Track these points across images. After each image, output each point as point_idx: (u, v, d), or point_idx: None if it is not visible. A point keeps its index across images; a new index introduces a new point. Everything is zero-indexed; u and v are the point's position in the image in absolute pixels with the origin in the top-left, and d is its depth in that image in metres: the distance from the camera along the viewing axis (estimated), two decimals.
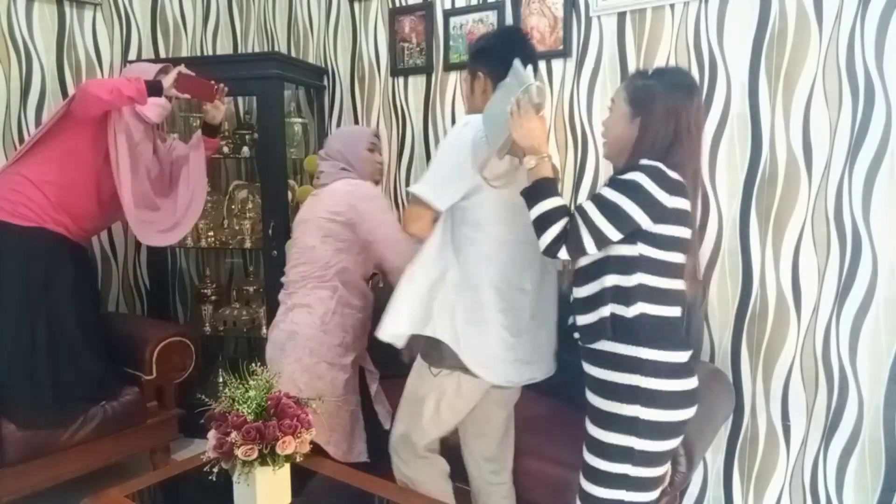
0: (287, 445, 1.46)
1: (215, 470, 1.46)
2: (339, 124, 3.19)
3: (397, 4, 2.91)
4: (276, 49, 3.34)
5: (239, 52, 3.48)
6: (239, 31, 3.50)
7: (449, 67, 2.78)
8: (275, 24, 3.36)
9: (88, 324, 2.38)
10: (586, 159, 2.48)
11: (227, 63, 2.98)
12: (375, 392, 2.24)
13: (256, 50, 3.43)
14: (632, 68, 2.33)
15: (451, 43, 2.76)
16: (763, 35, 2.07)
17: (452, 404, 1.75)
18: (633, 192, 1.36)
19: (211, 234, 3.08)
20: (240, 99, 3.29)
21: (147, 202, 2.43)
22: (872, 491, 2.00)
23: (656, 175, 1.37)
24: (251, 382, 1.51)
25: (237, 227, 3.07)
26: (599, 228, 1.38)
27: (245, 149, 3.02)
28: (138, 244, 3.14)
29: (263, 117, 2.88)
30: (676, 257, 1.42)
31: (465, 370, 1.67)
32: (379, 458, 1.99)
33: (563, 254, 1.41)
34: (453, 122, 2.81)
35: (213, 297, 3.19)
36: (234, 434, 1.43)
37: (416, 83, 2.90)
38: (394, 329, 1.72)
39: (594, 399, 1.47)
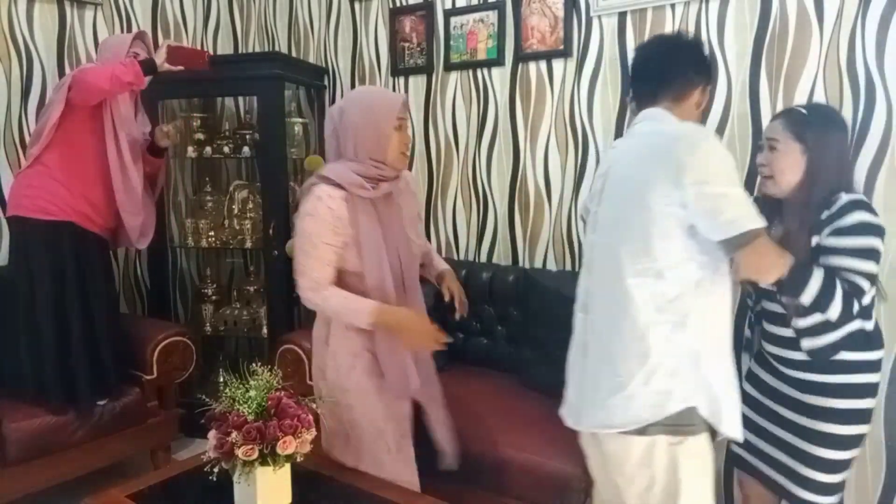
0: (287, 445, 1.46)
1: (216, 470, 1.46)
2: None
3: (398, 4, 2.91)
4: (277, 49, 3.34)
5: (239, 52, 3.48)
6: (239, 31, 3.50)
7: (449, 67, 2.78)
8: (275, 24, 3.36)
9: (115, 316, 2.48)
10: (587, 159, 2.48)
11: (227, 63, 2.98)
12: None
13: (257, 50, 3.44)
14: (636, 58, 2.33)
15: (451, 43, 2.76)
16: (763, 35, 2.07)
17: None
18: (876, 230, 1.48)
19: (212, 234, 3.08)
20: (240, 99, 3.29)
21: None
22: (873, 491, 2.00)
23: (869, 206, 1.51)
24: (252, 382, 1.51)
25: (238, 227, 3.07)
26: (872, 273, 1.48)
27: (245, 149, 3.02)
28: None
29: (264, 117, 2.88)
30: None
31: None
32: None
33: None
34: (454, 121, 2.81)
35: (213, 297, 3.19)
36: (234, 434, 1.43)
37: (417, 83, 2.90)
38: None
39: (833, 402, 1.55)
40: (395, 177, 1.70)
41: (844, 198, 1.50)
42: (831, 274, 1.45)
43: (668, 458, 1.33)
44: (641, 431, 1.31)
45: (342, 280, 1.68)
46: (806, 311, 1.50)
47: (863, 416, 1.56)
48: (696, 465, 1.34)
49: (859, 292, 1.46)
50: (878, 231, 1.48)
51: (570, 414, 1.52)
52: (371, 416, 1.71)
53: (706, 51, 1.50)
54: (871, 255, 1.46)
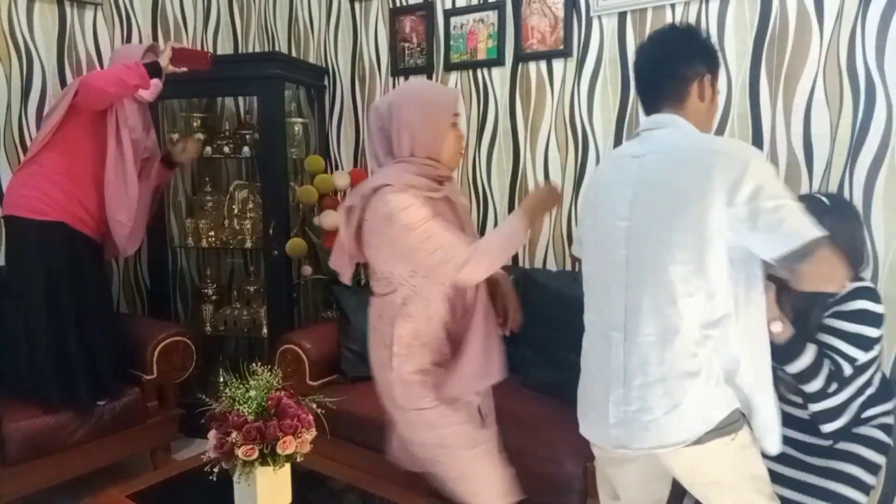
0: (287, 445, 1.46)
1: (216, 470, 1.46)
2: (339, 124, 3.19)
3: (398, 4, 2.91)
4: (277, 49, 3.34)
5: (240, 51, 3.48)
6: (240, 30, 3.50)
7: (449, 67, 2.78)
8: (275, 23, 3.36)
9: (110, 317, 2.48)
10: (587, 159, 2.48)
11: (227, 63, 2.98)
12: None
13: (257, 50, 3.43)
14: (632, 68, 2.33)
15: (451, 43, 2.76)
16: (763, 35, 2.07)
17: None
18: (876, 319, 1.52)
19: (212, 233, 3.08)
20: (240, 99, 3.29)
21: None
22: (873, 494, 2.00)
23: (874, 294, 1.54)
24: (252, 382, 1.51)
25: (238, 227, 3.07)
26: (856, 359, 1.52)
27: (246, 149, 3.02)
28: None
29: (264, 117, 2.88)
30: None
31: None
32: None
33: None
34: None
35: (213, 297, 3.19)
36: (234, 434, 1.43)
37: None
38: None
39: (873, 431, 1.62)
40: (450, 177, 1.62)
41: (850, 285, 1.53)
42: (821, 352, 1.51)
43: (725, 457, 1.35)
44: (697, 441, 1.31)
45: (402, 287, 1.57)
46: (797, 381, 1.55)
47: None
48: (750, 453, 1.37)
49: (840, 374, 1.51)
50: (877, 321, 1.52)
51: (605, 436, 1.42)
52: (459, 428, 1.59)
53: (699, 38, 1.41)
54: (863, 342, 1.51)
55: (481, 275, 1.52)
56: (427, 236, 1.45)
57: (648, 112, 1.44)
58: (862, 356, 1.52)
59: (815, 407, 1.55)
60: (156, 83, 2.37)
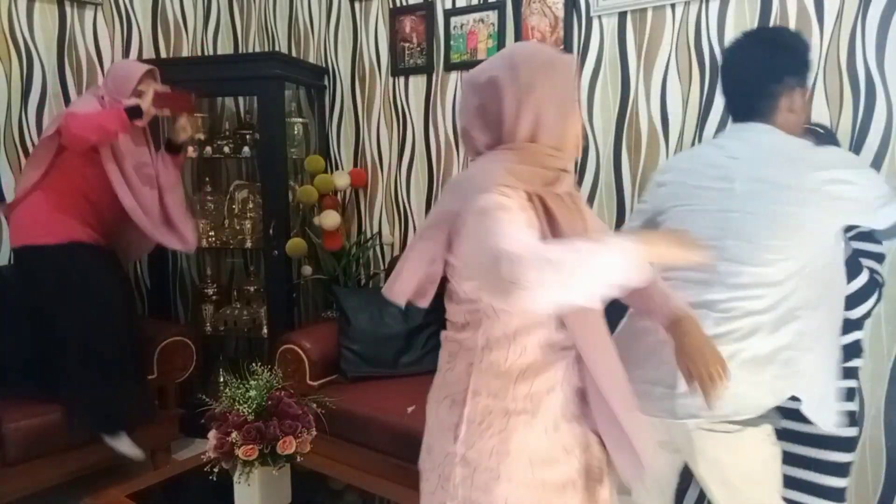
0: (287, 445, 1.46)
1: (216, 470, 1.46)
2: (339, 124, 3.19)
3: (398, 4, 2.91)
4: (277, 49, 3.34)
5: (240, 51, 3.47)
6: (240, 30, 3.50)
7: (450, 67, 2.78)
8: (275, 23, 3.36)
9: (136, 329, 2.47)
10: (587, 159, 2.48)
11: (227, 63, 2.98)
12: None
13: (257, 50, 3.43)
14: (632, 68, 2.33)
15: (451, 43, 2.76)
16: None
17: None
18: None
19: (212, 233, 3.08)
20: (240, 99, 3.29)
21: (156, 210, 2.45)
22: (873, 492, 2.00)
23: None
24: (252, 382, 1.51)
25: (238, 227, 3.07)
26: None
27: (246, 149, 3.02)
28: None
29: (264, 117, 2.88)
30: None
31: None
32: None
33: None
34: (454, 122, 2.81)
35: (213, 297, 3.19)
36: (234, 434, 1.43)
37: (417, 83, 2.90)
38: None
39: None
40: (569, 170, 1.16)
41: None
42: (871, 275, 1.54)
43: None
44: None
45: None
46: None
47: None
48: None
49: (877, 285, 1.54)
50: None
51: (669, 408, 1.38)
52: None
53: (790, 50, 1.39)
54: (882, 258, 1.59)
55: (546, 297, 0.91)
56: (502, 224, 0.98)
57: (737, 119, 1.46)
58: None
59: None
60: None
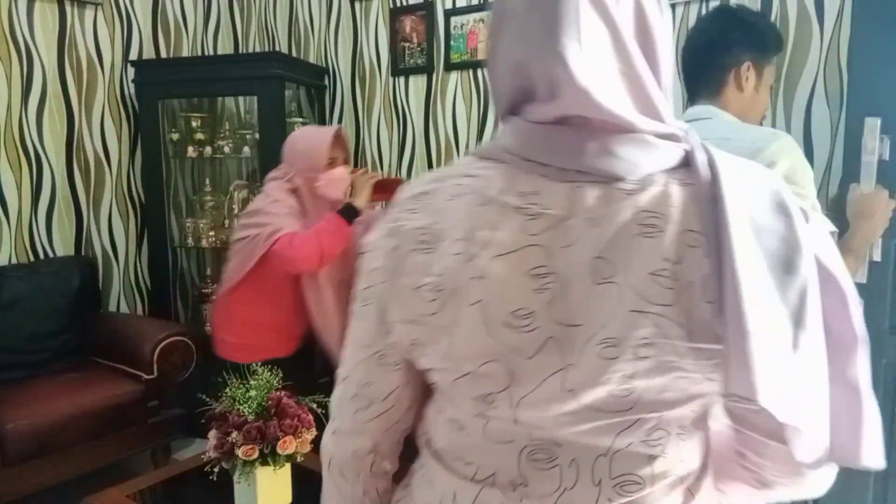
0: (288, 445, 1.46)
1: (216, 470, 1.46)
2: (339, 124, 3.18)
3: (398, 4, 2.91)
4: (277, 49, 3.34)
5: (240, 51, 3.48)
6: (240, 30, 3.50)
7: (450, 67, 2.78)
8: (276, 23, 3.36)
9: None
10: None
11: (227, 63, 2.98)
12: None
13: (257, 50, 3.43)
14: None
15: (451, 42, 2.76)
16: None
17: None
18: None
19: (212, 233, 3.08)
20: (240, 99, 3.29)
21: None
22: (866, 492, 2.00)
23: None
24: (252, 382, 1.51)
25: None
26: None
27: (246, 149, 3.02)
28: (139, 244, 3.15)
29: (264, 117, 2.88)
30: None
31: None
32: None
33: None
34: (454, 121, 2.81)
35: (213, 297, 3.18)
36: (234, 434, 1.43)
37: (417, 83, 2.90)
38: None
39: None
40: None
41: None
42: None
43: None
44: None
45: None
46: None
47: None
48: None
49: None
50: None
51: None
52: None
53: (741, 21, 1.31)
54: None
55: None
56: None
57: (690, 97, 1.38)
58: None
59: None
60: (343, 182, 2.03)
